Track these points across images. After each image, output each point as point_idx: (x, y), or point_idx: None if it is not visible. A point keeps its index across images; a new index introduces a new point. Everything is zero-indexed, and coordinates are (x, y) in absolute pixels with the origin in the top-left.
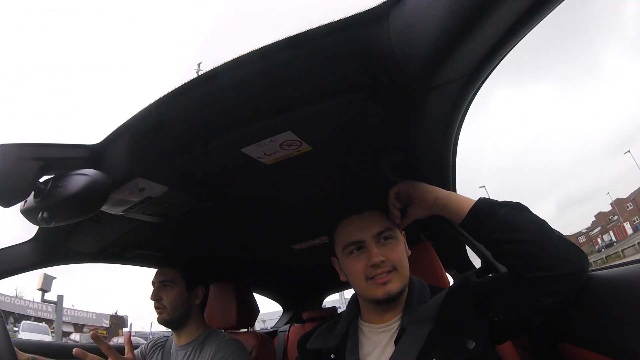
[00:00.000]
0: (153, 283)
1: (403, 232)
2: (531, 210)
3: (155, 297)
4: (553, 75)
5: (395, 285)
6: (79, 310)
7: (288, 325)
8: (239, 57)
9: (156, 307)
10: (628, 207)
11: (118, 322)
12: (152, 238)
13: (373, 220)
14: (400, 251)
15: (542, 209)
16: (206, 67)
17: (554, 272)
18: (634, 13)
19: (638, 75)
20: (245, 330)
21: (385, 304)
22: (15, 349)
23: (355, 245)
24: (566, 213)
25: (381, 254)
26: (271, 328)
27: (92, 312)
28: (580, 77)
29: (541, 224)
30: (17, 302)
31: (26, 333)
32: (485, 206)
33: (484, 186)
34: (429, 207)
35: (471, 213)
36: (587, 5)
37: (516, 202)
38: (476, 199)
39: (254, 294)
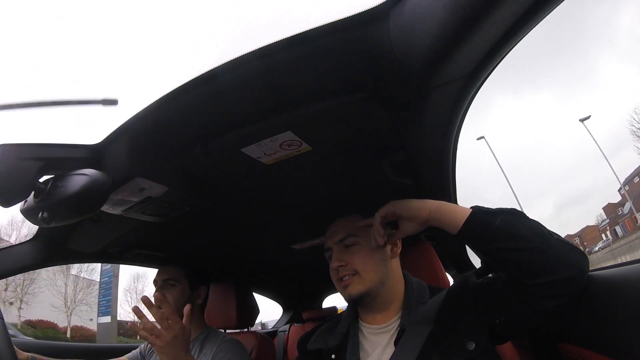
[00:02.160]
0: (155, 282)
1: None
2: (527, 215)
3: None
4: (550, 84)
5: (354, 288)
6: None
7: (288, 325)
8: (239, 57)
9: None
10: (575, 240)
11: None
12: (152, 238)
13: (339, 227)
14: (363, 255)
15: (540, 209)
16: (206, 67)
17: (556, 276)
18: (628, 24)
19: (631, 82)
20: (245, 330)
21: (359, 306)
22: (15, 348)
23: (327, 252)
24: (563, 213)
25: (340, 259)
26: (272, 328)
27: None
28: (576, 85)
29: (539, 229)
30: None
31: None
32: (480, 216)
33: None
34: (423, 222)
35: (467, 224)
36: (583, 16)
37: (511, 209)
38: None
39: (254, 294)
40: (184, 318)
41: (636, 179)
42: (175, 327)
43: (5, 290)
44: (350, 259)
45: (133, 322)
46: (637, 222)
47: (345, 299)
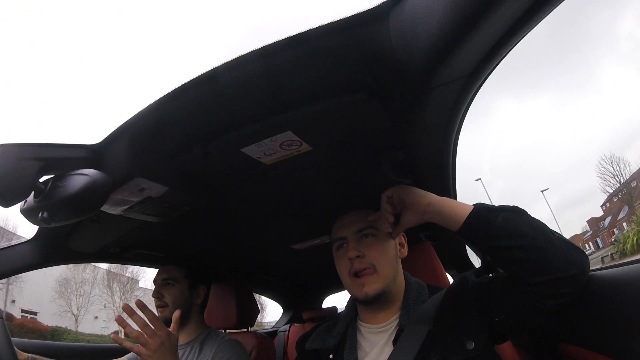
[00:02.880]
0: (155, 281)
1: (402, 233)
2: (528, 213)
3: (157, 294)
4: (551, 88)
5: (373, 287)
6: None
7: (288, 325)
8: (239, 57)
9: (157, 305)
10: None
11: None
12: (152, 238)
13: (356, 217)
14: (380, 249)
15: (540, 210)
16: (206, 67)
17: (557, 275)
18: (628, 30)
19: (630, 86)
20: (245, 330)
21: (371, 304)
22: (16, 348)
23: (339, 241)
24: (563, 214)
25: (358, 250)
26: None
27: None
28: (576, 89)
29: (540, 228)
30: None
31: None
32: (482, 213)
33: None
34: (422, 212)
35: (468, 221)
36: (585, 23)
37: (513, 206)
38: (473, 202)
39: (254, 294)
40: (172, 324)
41: (615, 199)
42: (161, 334)
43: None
44: (367, 251)
45: None
46: (613, 235)
47: (360, 298)
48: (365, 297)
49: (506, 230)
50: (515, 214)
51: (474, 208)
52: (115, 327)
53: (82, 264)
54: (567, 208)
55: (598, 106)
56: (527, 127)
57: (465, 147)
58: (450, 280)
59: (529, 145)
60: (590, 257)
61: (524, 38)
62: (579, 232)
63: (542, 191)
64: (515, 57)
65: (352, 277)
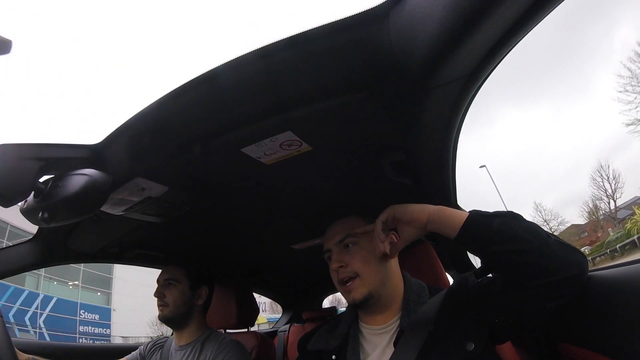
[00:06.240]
0: (158, 281)
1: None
2: (524, 217)
3: (158, 294)
4: (549, 97)
5: (358, 292)
6: None
7: (288, 325)
8: (239, 56)
9: (159, 305)
10: None
11: None
12: (152, 238)
13: (338, 228)
14: (361, 257)
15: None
16: (206, 67)
17: (556, 277)
18: (623, 40)
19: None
20: (245, 330)
21: (362, 308)
22: (16, 349)
23: (327, 254)
24: (563, 213)
25: (340, 260)
26: (272, 328)
27: None
28: (573, 96)
29: (536, 231)
30: None
31: None
32: (478, 219)
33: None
34: (423, 226)
35: (465, 227)
36: (581, 33)
37: (509, 212)
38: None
39: (254, 294)
40: None
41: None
42: None
43: None
44: (350, 259)
45: None
46: None
47: (349, 303)
48: (353, 302)
49: (503, 234)
50: (511, 218)
51: (469, 214)
52: None
53: None
54: (566, 206)
55: (593, 112)
56: (526, 134)
57: (468, 150)
58: (451, 280)
59: (529, 149)
60: None
61: (528, 48)
62: None
63: (480, 167)
64: (516, 68)
65: (340, 285)
